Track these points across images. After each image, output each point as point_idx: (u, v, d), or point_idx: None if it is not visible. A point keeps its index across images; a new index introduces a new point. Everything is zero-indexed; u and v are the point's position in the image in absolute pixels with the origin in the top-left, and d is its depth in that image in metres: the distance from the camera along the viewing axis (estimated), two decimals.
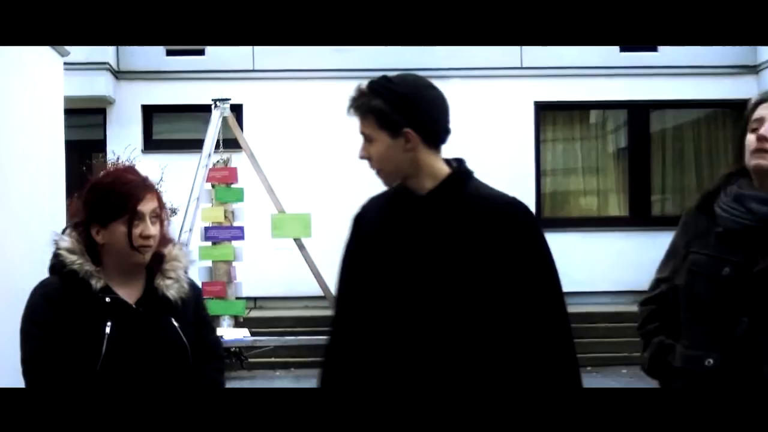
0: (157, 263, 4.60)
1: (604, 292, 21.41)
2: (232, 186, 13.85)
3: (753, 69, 21.80)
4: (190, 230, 13.37)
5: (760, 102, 4.06)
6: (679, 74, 22.28)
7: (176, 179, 17.35)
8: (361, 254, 4.49)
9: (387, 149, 4.29)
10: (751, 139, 3.97)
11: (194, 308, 4.77)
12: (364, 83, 4.36)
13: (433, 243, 4.22)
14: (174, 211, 16.63)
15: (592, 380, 15.79)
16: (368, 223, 4.57)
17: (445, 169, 4.40)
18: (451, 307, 4.10)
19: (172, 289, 4.55)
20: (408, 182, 4.37)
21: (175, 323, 4.51)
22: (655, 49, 22.21)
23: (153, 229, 4.45)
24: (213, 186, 13.96)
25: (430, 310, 4.10)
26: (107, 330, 4.34)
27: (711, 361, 3.95)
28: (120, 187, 4.41)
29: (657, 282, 4.43)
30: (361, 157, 4.40)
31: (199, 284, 13.54)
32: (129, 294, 4.49)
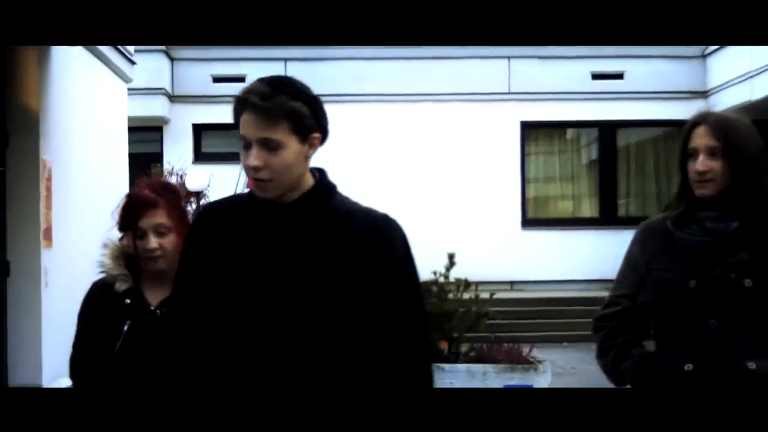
0: None
1: (579, 280, 21.35)
2: None
3: (703, 94, 21.83)
4: None
5: (693, 126, 3.93)
6: (642, 98, 22.42)
7: (221, 185, 17.60)
8: (211, 260, 3.61)
9: (295, 156, 3.55)
10: (691, 169, 3.89)
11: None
12: (266, 82, 3.52)
13: (303, 252, 3.55)
14: None
15: (568, 354, 15.79)
16: (218, 229, 3.65)
17: (311, 179, 3.78)
18: (314, 316, 3.49)
19: None
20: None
21: None
22: (621, 77, 22.36)
23: (154, 243, 4.23)
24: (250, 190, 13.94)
25: (292, 318, 3.47)
26: (125, 328, 4.23)
27: (690, 366, 3.88)
28: (127, 203, 4.28)
29: (617, 298, 4.22)
30: (254, 167, 3.43)
31: None
32: (155, 296, 4.32)
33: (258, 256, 3.56)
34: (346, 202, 3.89)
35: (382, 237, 3.62)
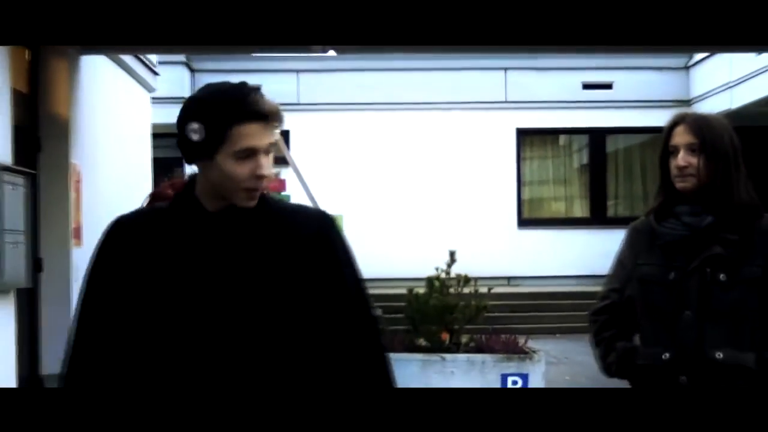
0: None
1: (571, 276, 21.32)
2: (282, 193, 13.80)
3: (686, 102, 21.75)
4: None
5: (674, 125, 3.96)
6: (629, 107, 22.32)
7: None
8: (132, 274, 3.09)
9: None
10: (672, 165, 3.90)
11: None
12: (256, 89, 3.19)
13: (261, 257, 3.20)
14: None
15: (560, 345, 15.79)
16: (138, 242, 3.13)
17: None
18: (279, 319, 3.17)
19: None
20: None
21: None
22: (610, 87, 22.33)
23: None
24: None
25: (258, 322, 3.14)
26: None
27: (667, 355, 3.88)
28: (150, 201, 4.27)
29: (608, 293, 4.24)
30: (267, 176, 3.12)
31: None
32: None
33: (214, 266, 3.10)
34: (279, 201, 3.50)
35: (332, 234, 3.35)
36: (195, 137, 2.88)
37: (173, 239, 3.10)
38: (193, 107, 2.99)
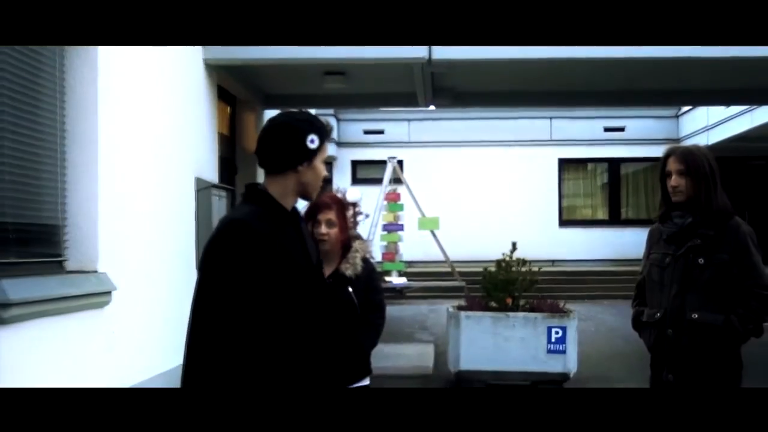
0: (345, 252, 4.26)
1: (595, 260, 21.24)
2: (398, 203, 13.84)
3: (676, 140, 21.43)
4: (377, 225, 13.39)
5: (667, 156, 3.96)
6: (636, 144, 22.19)
7: (370, 199, 17.57)
8: (288, 267, 2.66)
9: None
10: (668, 184, 3.93)
11: (365, 280, 4.28)
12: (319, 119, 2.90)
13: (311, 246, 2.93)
14: (367, 216, 16.76)
15: (587, 307, 15.60)
16: (277, 239, 2.66)
17: None
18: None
19: (348, 270, 4.20)
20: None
21: (350, 289, 4.17)
22: (623, 130, 22.12)
23: (324, 230, 4.12)
24: (387, 202, 13.95)
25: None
26: None
27: (658, 314, 3.91)
28: (312, 204, 4.10)
29: (639, 275, 4.22)
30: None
31: (380, 256, 13.49)
32: (328, 270, 4.07)
33: (305, 258, 2.82)
34: None
35: None
36: (312, 146, 2.76)
37: (286, 235, 2.74)
38: (309, 127, 2.79)
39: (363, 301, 4.25)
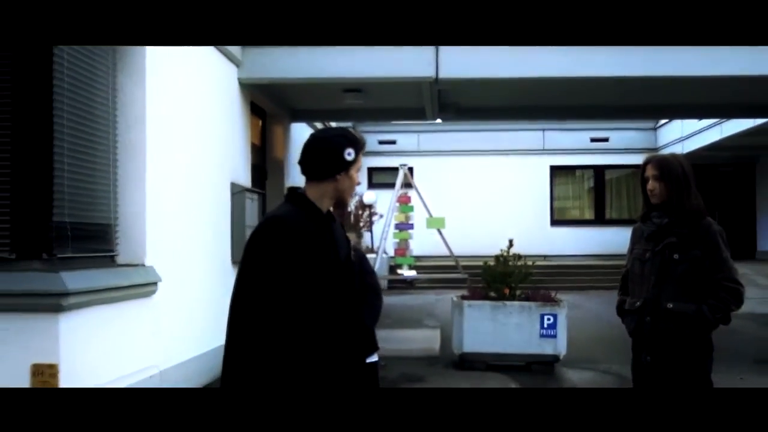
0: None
1: (582, 254, 21.09)
2: (408, 204, 13.79)
3: (654, 149, 21.28)
4: (390, 224, 13.37)
5: (646, 164, 3.96)
6: (619, 152, 21.95)
7: (384, 202, 17.58)
8: (321, 261, 2.62)
9: None
10: (647, 188, 3.92)
11: (358, 265, 3.98)
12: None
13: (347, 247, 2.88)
14: (381, 216, 16.67)
15: (576, 296, 15.51)
16: (312, 236, 2.63)
17: None
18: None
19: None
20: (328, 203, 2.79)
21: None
22: (607, 140, 21.98)
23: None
24: (399, 204, 13.92)
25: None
26: None
27: (638, 303, 3.89)
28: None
29: (624, 268, 4.17)
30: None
31: (392, 252, 13.39)
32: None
33: (338, 258, 2.75)
34: None
35: None
36: (349, 158, 2.75)
37: (321, 233, 2.69)
38: (346, 141, 2.76)
39: (360, 285, 4.22)
